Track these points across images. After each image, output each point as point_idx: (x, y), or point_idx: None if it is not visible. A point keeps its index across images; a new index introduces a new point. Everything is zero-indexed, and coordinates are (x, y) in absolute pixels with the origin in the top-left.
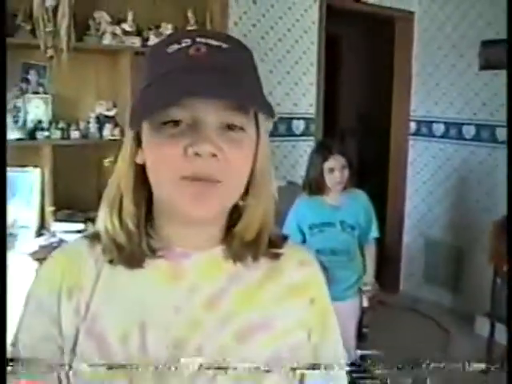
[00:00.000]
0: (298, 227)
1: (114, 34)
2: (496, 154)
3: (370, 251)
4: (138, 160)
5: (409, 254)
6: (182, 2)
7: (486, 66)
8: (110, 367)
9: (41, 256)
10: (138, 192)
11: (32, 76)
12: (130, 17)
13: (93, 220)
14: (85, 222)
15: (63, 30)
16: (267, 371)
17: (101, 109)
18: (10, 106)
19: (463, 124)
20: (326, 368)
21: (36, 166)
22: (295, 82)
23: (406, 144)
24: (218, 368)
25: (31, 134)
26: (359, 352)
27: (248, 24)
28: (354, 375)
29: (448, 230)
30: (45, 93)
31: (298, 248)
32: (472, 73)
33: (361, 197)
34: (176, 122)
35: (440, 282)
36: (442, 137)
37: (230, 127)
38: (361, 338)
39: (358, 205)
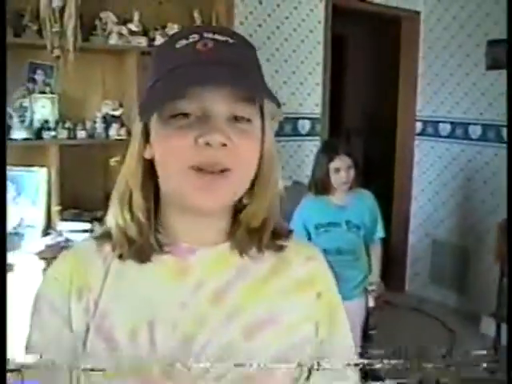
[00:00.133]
0: (304, 227)
1: (121, 34)
2: (502, 154)
3: (376, 251)
4: (146, 155)
5: (414, 254)
6: (188, 2)
7: (492, 65)
8: (120, 368)
9: (47, 255)
10: (147, 187)
11: (39, 76)
12: (136, 17)
13: (99, 219)
14: (91, 221)
15: (70, 31)
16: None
17: (107, 109)
18: (16, 105)
19: (469, 124)
20: (331, 364)
21: (42, 166)
22: (301, 81)
23: (411, 144)
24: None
25: (38, 134)
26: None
27: (254, 24)
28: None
29: (454, 230)
30: (51, 92)
31: (305, 244)
32: (478, 72)
33: (366, 197)
34: (185, 115)
35: (446, 282)
36: (448, 137)
37: (238, 119)
38: (366, 339)
39: (363, 205)
